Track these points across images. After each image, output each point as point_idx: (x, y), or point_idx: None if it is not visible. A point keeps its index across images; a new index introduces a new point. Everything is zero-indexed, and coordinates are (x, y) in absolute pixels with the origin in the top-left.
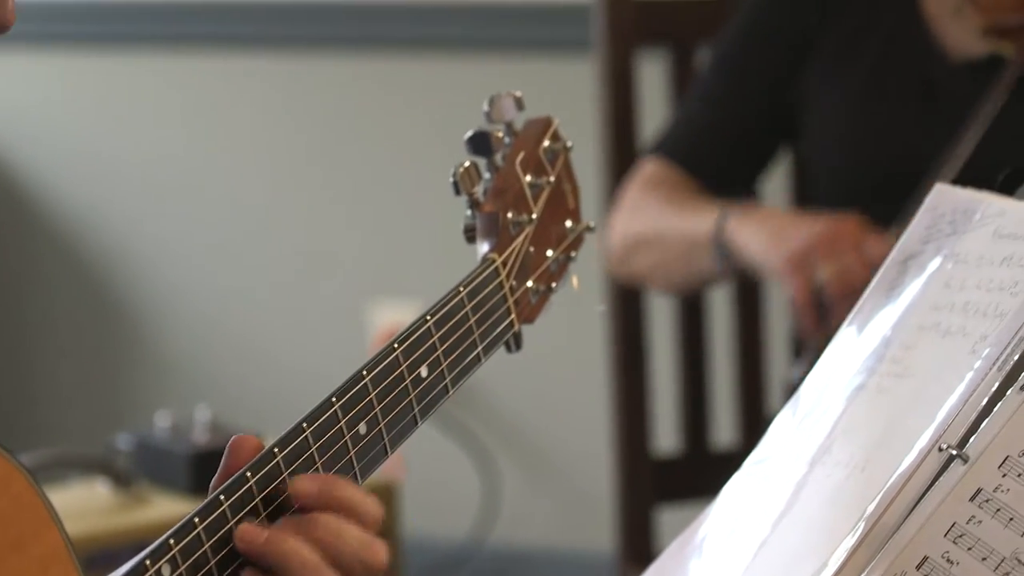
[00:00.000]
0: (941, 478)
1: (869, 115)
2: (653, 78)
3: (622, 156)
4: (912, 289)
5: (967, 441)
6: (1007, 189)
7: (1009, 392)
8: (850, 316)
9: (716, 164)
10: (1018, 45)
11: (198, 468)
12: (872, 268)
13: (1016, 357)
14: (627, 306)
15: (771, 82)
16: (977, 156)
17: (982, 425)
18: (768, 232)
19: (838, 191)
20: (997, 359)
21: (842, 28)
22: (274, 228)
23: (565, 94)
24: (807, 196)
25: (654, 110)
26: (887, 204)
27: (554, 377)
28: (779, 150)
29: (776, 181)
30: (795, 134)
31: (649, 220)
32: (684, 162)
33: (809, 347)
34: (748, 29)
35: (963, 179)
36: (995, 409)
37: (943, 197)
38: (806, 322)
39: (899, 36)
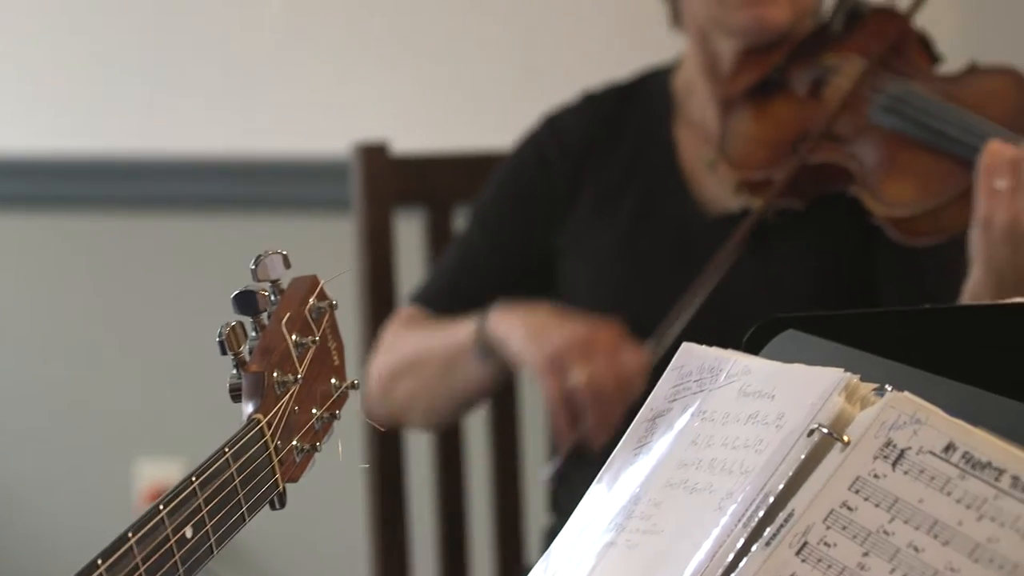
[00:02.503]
0: None
1: (626, 269)
2: (411, 236)
3: (380, 313)
4: (660, 446)
5: None
6: (752, 347)
7: (754, 548)
8: (600, 473)
9: (469, 312)
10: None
11: None
12: (623, 377)
13: (761, 514)
14: (387, 461)
15: (525, 238)
16: (712, 307)
17: None
18: (527, 328)
19: None
20: (743, 516)
21: (601, 182)
22: (37, 384)
23: (329, 251)
24: None
25: (412, 268)
26: None
27: (317, 532)
28: (535, 300)
29: None
30: (553, 285)
31: (407, 349)
32: (439, 309)
33: (562, 448)
34: (504, 186)
35: (697, 329)
36: (740, 565)
37: (690, 355)
38: (558, 423)
39: (657, 191)
